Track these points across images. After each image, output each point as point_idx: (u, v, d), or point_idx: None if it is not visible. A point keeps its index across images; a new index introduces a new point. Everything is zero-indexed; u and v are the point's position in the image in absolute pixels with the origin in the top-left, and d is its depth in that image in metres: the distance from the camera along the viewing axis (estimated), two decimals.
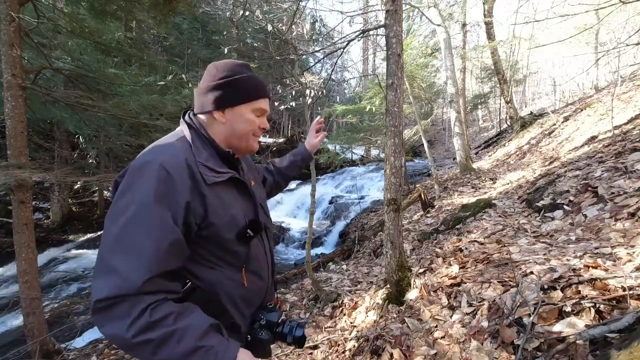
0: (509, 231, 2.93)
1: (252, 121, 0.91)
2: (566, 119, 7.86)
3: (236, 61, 0.93)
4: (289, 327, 0.93)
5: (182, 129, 0.89)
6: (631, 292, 1.36)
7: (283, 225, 8.42)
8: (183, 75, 5.06)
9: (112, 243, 0.70)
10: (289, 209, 10.01)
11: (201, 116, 0.91)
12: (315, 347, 2.40)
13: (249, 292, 0.91)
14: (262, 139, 16.01)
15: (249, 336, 0.90)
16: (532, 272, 1.82)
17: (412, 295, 2.41)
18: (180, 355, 0.67)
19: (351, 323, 2.62)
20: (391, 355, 1.87)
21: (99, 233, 8.05)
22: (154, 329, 0.66)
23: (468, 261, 2.48)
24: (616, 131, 4.26)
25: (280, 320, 0.95)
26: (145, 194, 0.72)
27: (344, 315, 2.82)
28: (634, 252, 1.75)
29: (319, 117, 1.40)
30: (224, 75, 0.88)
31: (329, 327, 2.72)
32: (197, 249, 0.82)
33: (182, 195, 0.75)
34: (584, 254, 1.92)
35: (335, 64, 6.67)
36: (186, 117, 0.92)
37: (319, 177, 12.04)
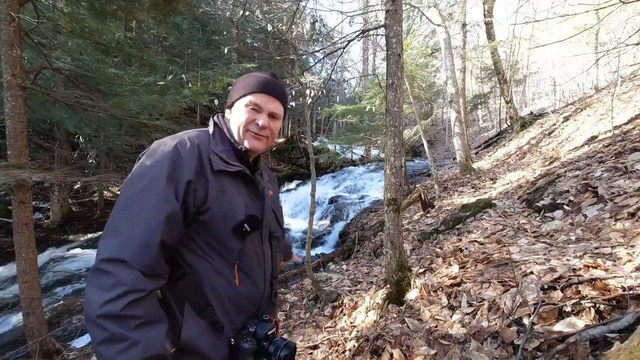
0: (509, 231, 2.93)
1: (243, 113, 0.93)
2: (566, 119, 7.86)
3: (264, 71, 1.01)
4: (274, 346, 0.86)
5: (209, 125, 0.98)
6: (631, 292, 1.36)
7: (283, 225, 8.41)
8: (183, 75, 5.05)
9: (121, 208, 0.77)
10: (289, 209, 10.01)
11: (226, 112, 1.01)
12: (315, 347, 2.40)
13: (239, 294, 0.88)
14: None
15: (232, 340, 0.86)
16: (532, 272, 1.82)
17: (412, 295, 2.41)
18: None
19: (351, 323, 2.62)
20: (391, 355, 1.87)
21: (99, 233, 8.04)
22: (115, 323, 0.66)
23: (468, 261, 2.48)
24: (616, 131, 4.26)
25: (269, 334, 0.89)
26: (155, 169, 0.79)
27: (344, 315, 2.82)
28: (634, 252, 1.75)
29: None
30: (241, 77, 1.00)
31: (329, 327, 2.72)
32: (192, 235, 0.84)
33: (186, 174, 0.80)
34: (584, 254, 1.92)
35: (335, 64, 6.68)
36: (214, 117, 1.00)
37: (319, 177, 12.03)
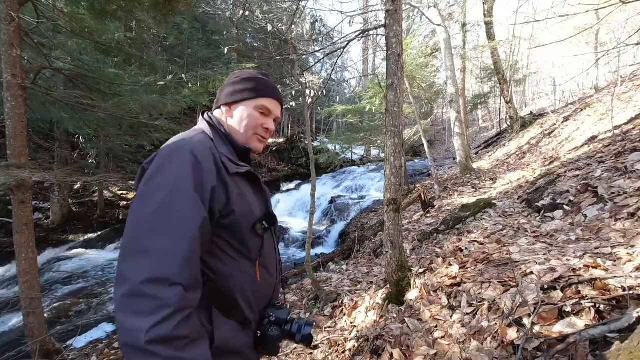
0: (509, 231, 2.93)
1: (254, 118, 0.95)
2: (566, 119, 7.85)
3: (258, 71, 1.01)
4: (297, 326, 0.93)
5: (202, 126, 0.95)
6: (631, 292, 1.36)
7: (283, 225, 8.42)
8: (183, 75, 5.05)
9: (146, 225, 0.70)
10: (288, 209, 10.01)
11: (216, 111, 1.00)
12: (315, 347, 2.40)
13: (260, 288, 0.92)
14: None
15: (258, 332, 0.90)
16: (532, 272, 1.82)
17: (412, 295, 2.41)
18: None
19: (351, 323, 2.62)
20: (391, 355, 1.87)
21: (99, 233, 8.04)
22: (165, 346, 0.63)
23: (468, 261, 2.48)
24: (616, 131, 4.25)
25: (289, 318, 0.95)
26: (176, 178, 0.75)
27: (344, 315, 2.82)
28: (634, 252, 1.75)
29: None
30: (237, 75, 0.98)
31: (329, 327, 2.72)
32: (215, 240, 0.83)
33: (209, 181, 0.78)
34: (584, 254, 1.92)
35: (335, 64, 6.67)
36: (205, 115, 0.98)
37: (319, 177, 12.03)
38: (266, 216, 0.92)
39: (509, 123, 12.00)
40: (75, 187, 9.19)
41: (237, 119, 0.95)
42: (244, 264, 0.88)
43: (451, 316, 1.94)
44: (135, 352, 0.62)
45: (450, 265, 2.57)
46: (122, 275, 0.67)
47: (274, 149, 14.67)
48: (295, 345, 2.47)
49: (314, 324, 0.97)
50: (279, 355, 2.40)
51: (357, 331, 2.38)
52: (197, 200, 0.75)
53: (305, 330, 0.92)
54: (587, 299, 1.44)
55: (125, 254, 0.69)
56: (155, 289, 0.65)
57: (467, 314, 1.86)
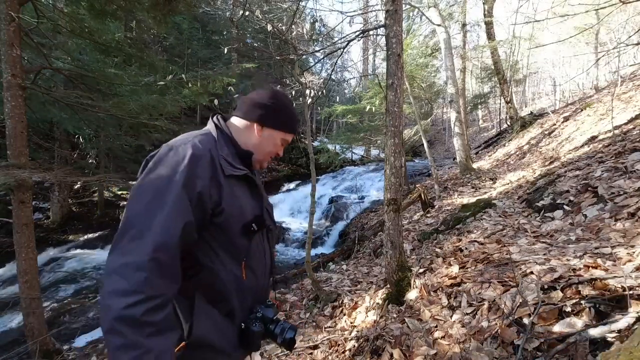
0: (509, 231, 2.93)
1: (277, 146, 1.04)
2: (566, 119, 7.85)
3: (286, 94, 1.08)
4: (280, 328, 0.96)
5: (209, 128, 0.99)
6: (631, 292, 1.36)
7: (283, 225, 8.42)
8: (183, 75, 5.05)
9: (136, 215, 0.76)
10: (289, 209, 10.00)
11: (238, 121, 1.02)
12: (315, 347, 2.40)
13: (245, 288, 0.96)
14: None
15: (242, 324, 0.94)
16: (532, 272, 1.82)
17: (412, 295, 2.41)
18: None
19: (351, 323, 2.62)
20: (391, 355, 1.87)
21: (99, 233, 8.04)
22: (131, 328, 0.67)
23: (468, 261, 2.48)
24: (616, 131, 4.25)
25: (275, 318, 0.98)
26: (170, 174, 0.79)
27: (344, 315, 2.82)
28: (634, 252, 1.75)
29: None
30: (278, 100, 1.02)
31: (329, 327, 2.72)
32: (206, 237, 0.87)
33: (202, 180, 0.82)
34: (584, 254, 1.92)
35: (335, 64, 6.68)
36: (214, 118, 1.01)
37: (319, 177, 12.02)
38: (256, 219, 0.95)
39: (509, 123, 12.00)
40: (75, 187, 9.18)
41: (262, 140, 1.01)
42: (230, 262, 0.91)
43: (451, 316, 1.94)
44: (107, 326, 0.66)
45: (450, 265, 2.57)
46: (115, 256, 0.72)
47: None
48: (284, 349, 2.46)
49: (298, 330, 1.02)
50: (279, 355, 2.40)
51: (357, 331, 2.38)
52: (185, 198, 0.78)
53: (287, 334, 0.95)
54: (587, 299, 1.44)
55: (118, 238, 0.74)
56: (133, 274, 0.69)
57: (467, 314, 1.86)
